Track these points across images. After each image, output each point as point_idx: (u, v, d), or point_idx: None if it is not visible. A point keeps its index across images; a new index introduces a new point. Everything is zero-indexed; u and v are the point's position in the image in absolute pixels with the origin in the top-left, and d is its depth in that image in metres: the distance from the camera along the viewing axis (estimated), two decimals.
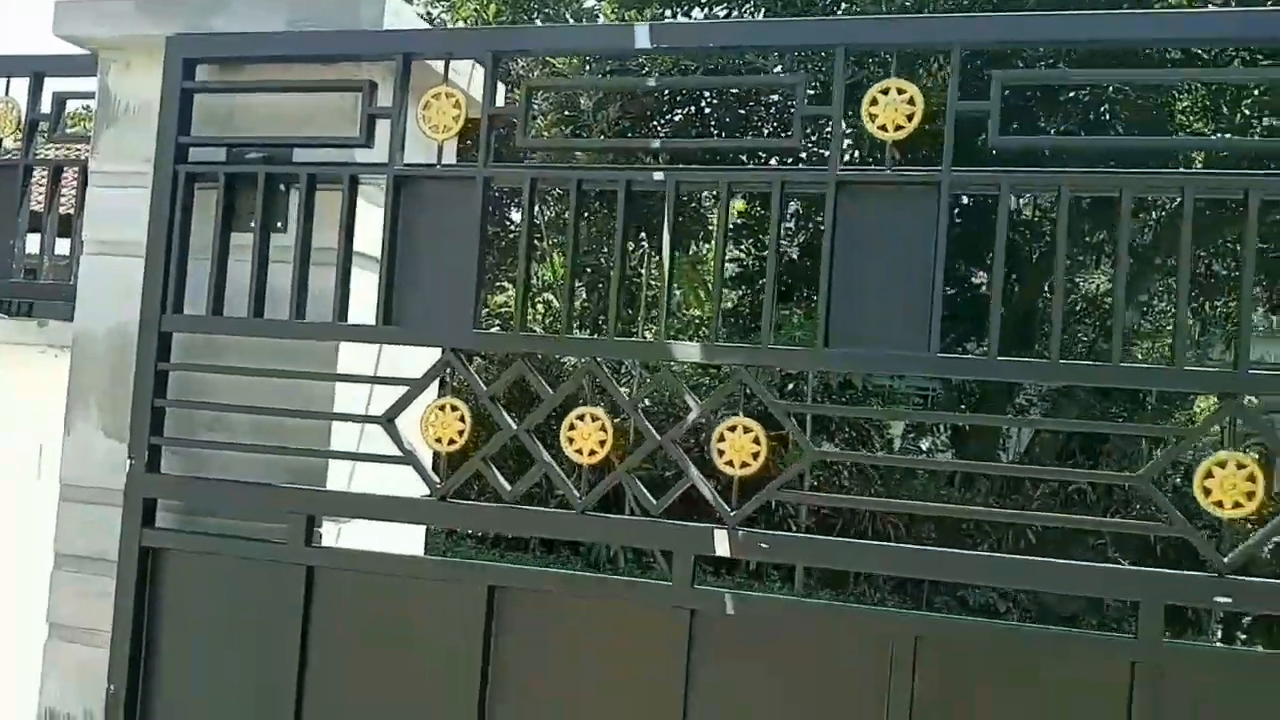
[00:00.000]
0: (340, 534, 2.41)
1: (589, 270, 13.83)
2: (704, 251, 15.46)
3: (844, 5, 11.64)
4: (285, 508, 2.28)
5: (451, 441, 2.20)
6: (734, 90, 13.23)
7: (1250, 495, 1.82)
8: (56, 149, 4.97)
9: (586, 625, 2.14)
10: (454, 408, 2.20)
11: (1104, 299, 13.83)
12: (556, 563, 11.51)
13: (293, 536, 2.27)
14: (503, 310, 13.44)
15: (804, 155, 10.05)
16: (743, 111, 13.71)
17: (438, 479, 2.22)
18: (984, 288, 13.11)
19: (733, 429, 2.05)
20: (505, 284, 13.75)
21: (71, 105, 2.80)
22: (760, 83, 14.23)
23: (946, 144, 1.98)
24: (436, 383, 2.31)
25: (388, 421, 2.24)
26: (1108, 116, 10.76)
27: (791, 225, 13.84)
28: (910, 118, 1.98)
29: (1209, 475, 1.84)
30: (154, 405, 2.35)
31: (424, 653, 2.22)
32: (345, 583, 2.27)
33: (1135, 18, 2.08)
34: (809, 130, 9.60)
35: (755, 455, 2.04)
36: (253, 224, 2.34)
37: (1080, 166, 2.17)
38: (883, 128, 1.99)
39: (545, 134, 11.67)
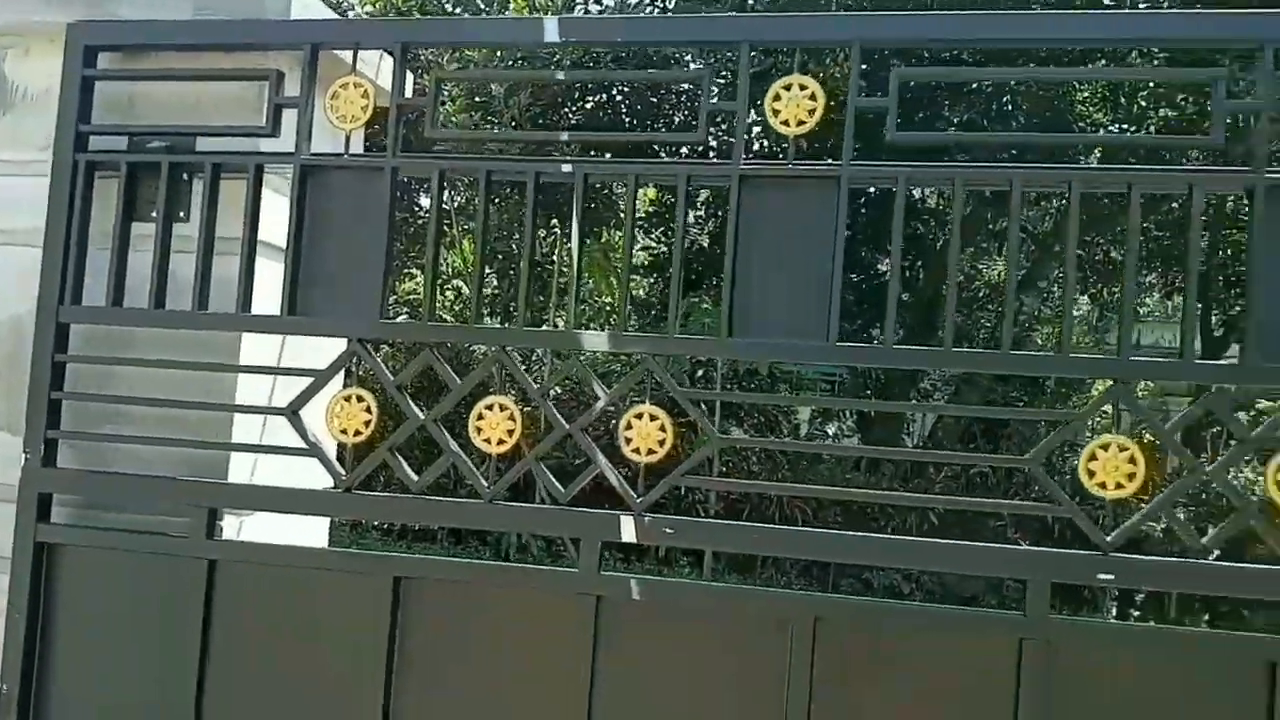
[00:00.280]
0: (242, 527, 2.38)
1: (500, 256, 13.75)
2: (616, 239, 15.47)
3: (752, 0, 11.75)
4: (185, 501, 2.25)
5: (357, 433, 2.19)
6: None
7: (1131, 477, 1.92)
8: None
9: (494, 615, 2.16)
10: (360, 398, 2.19)
11: (1005, 286, 14.27)
12: (466, 553, 11.44)
13: (193, 530, 2.23)
14: (411, 297, 13.28)
15: (716, 145, 10.16)
16: (655, 100, 13.73)
17: (343, 471, 2.21)
18: (889, 275, 13.41)
19: (639, 417, 2.09)
20: (414, 270, 13.59)
21: None
22: (667, 77, 14.35)
23: (846, 139, 2.04)
24: (343, 373, 2.29)
25: (292, 413, 2.22)
26: (1010, 107, 11.12)
27: (702, 213, 13.96)
28: (812, 113, 2.03)
29: (1093, 458, 1.93)
30: (50, 398, 2.29)
31: (329, 646, 2.21)
32: (247, 576, 2.24)
33: (1034, 18, 2.17)
34: (720, 121, 9.70)
35: (661, 442, 2.08)
36: (155, 213, 2.30)
37: (984, 156, 2.25)
38: (785, 123, 2.04)
39: (455, 120, 11.53)
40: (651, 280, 15.06)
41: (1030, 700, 1.92)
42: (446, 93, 11.65)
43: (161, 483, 2.28)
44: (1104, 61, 9.88)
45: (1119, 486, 1.92)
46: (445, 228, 13.63)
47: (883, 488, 11.19)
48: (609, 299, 15.45)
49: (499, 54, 10.87)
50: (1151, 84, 11.31)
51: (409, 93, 2.40)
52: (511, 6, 13.13)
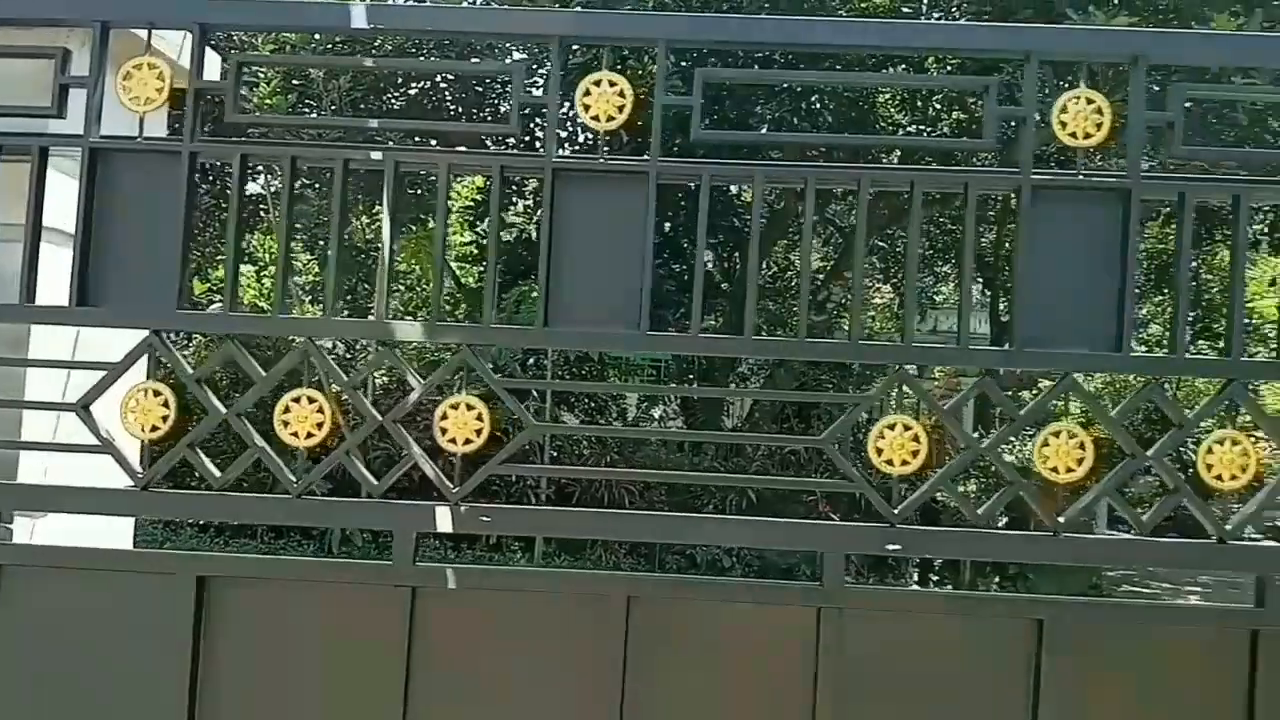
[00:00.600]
0: (35, 530, 2.26)
1: (321, 243, 13.34)
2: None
3: None
4: None
5: (154, 428, 2.10)
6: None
7: (915, 454, 2.07)
8: None
9: (308, 611, 2.12)
10: (156, 392, 2.10)
11: (816, 275, 14.91)
12: (286, 549, 11.09)
13: None
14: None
15: (539, 136, 10.13)
16: (480, 90, 13.62)
17: (141, 468, 2.12)
18: (709, 265, 13.79)
19: (455, 407, 2.09)
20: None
21: None
22: (478, 70, 14.23)
23: (654, 135, 2.11)
24: (146, 367, 2.20)
25: (83, 408, 2.12)
26: (818, 105, 11.61)
27: (531, 203, 13.95)
28: (621, 109, 2.09)
29: (881, 437, 2.08)
30: None
31: (130, 650, 2.12)
32: (37, 581, 2.12)
33: (839, 25, 2.30)
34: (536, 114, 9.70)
35: (478, 432, 2.09)
36: None
37: (795, 153, 2.37)
38: (595, 118, 2.09)
39: (270, 103, 11.10)
40: (481, 269, 14.94)
41: (829, 665, 2.05)
42: (261, 75, 11.18)
43: None
44: (903, 66, 10.45)
45: (904, 463, 2.07)
46: (263, 213, 13.11)
47: (704, 468, 11.55)
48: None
49: (317, 37, 10.50)
50: (945, 90, 12.07)
51: (216, 75, 2.32)
52: None
